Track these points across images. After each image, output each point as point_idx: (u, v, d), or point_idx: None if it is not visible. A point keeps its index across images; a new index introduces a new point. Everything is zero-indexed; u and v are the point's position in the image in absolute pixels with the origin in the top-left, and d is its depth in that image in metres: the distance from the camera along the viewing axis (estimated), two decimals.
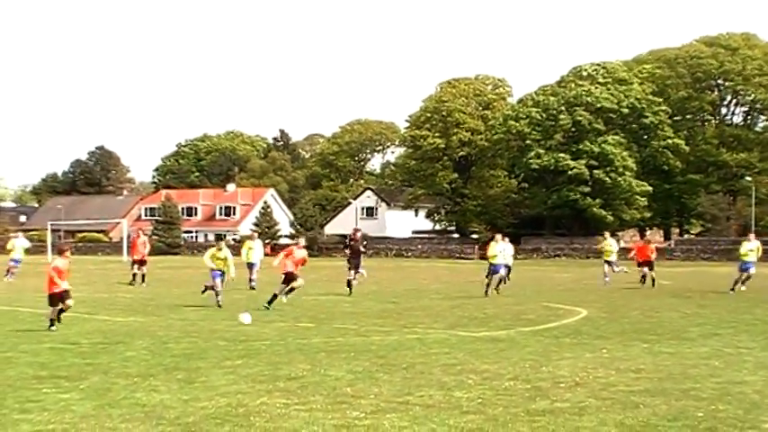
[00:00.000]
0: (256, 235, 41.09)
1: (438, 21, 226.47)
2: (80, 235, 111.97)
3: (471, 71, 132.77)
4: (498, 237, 34.16)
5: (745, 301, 29.97)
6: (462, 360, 15.70)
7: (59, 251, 21.97)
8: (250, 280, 35.57)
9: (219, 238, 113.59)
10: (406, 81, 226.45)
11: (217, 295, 26.95)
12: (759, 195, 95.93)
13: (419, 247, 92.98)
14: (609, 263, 39.65)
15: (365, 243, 36.67)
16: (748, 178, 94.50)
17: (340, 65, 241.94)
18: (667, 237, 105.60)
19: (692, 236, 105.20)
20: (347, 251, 34.14)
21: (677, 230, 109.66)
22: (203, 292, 27.94)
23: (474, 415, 11.03)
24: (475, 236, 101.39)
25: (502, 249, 33.59)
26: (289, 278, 27.07)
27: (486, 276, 33.55)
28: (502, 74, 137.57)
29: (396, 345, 17.92)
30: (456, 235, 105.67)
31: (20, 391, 12.72)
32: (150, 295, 32.76)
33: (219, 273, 26.94)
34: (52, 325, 20.48)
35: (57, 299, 20.52)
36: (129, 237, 40.55)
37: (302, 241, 29.99)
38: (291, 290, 27.48)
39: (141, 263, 39.00)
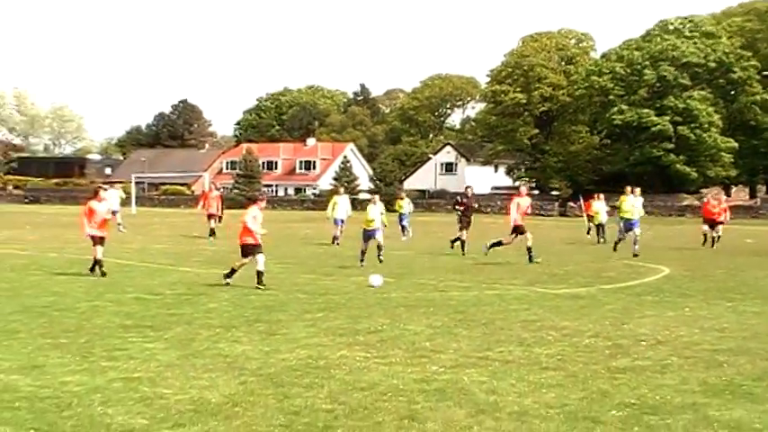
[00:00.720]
0: (342, 190, 40.23)
1: None
2: (163, 187, 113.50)
3: (554, 25, 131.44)
4: (629, 189, 33.39)
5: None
6: (542, 317, 15.64)
7: (254, 200, 21.50)
8: (335, 237, 35.18)
9: (299, 191, 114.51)
10: (488, 35, 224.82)
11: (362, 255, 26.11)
12: None
13: (498, 203, 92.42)
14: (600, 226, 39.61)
15: (477, 202, 36.20)
16: None
17: (421, 19, 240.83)
18: (753, 194, 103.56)
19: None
20: (460, 209, 32.88)
21: (765, 188, 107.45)
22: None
23: (554, 371, 10.99)
24: (555, 192, 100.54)
25: (633, 204, 32.48)
26: (517, 230, 27.76)
27: (619, 234, 33.02)
28: (585, 28, 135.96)
29: (475, 300, 17.91)
30: (536, 191, 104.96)
31: (107, 339, 12.99)
32: (232, 248, 33.09)
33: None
34: (230, 276, 20.21)
35: (249, 249, 20.08)
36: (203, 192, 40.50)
37: (524, 189, 30.57)
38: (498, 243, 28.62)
39: (212, 216, 38.51)
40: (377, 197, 28.50)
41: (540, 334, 13.76)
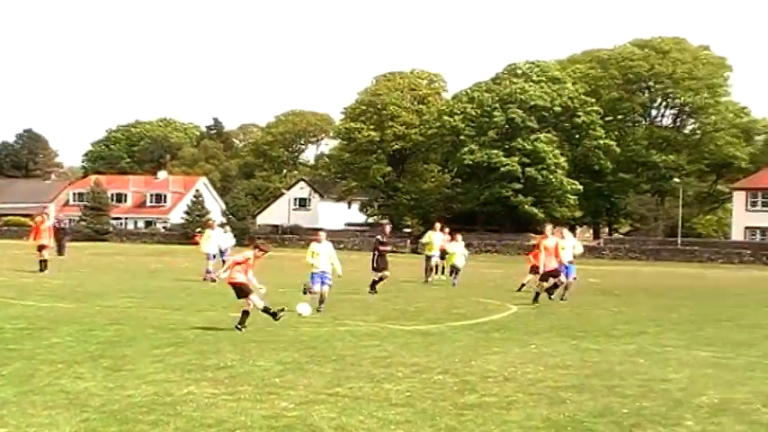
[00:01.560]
0: (216, 223, 38.73)
1: (374, 13, 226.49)
2: (5, 218, 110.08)
3: (407, 65, 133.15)
4: (438, 226, 34.27)
5: (671, 299, 30.42)
6: (392, 353, 15.70)
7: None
8: (207, 271, 34.28)
9: (150, 224, 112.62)
10: (342, 73, 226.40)
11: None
12: (686, 196, 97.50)
13: (351, 239, 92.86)
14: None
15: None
16: (676, 179, 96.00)
17: (276, 54, 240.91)
18: (597, 235, 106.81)
19: (621, 235, 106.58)
20: (385, 249, 31.26)
21: (606, 229, 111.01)
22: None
23: (402, 407, 11.03)
24: (407, 230, 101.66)
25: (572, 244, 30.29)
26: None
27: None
28: (437, 69, 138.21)
29: (326, 336, 17.88)
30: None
31: None
32: (77, 281, 32.32)
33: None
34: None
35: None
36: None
37: (548, 228, 28.40)
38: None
39: (43, 248, 37.13)
40: (323, 234, 25.04)
41: (390, 370, 13.81)
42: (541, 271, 26.98)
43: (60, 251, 49.47)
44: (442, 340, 17.77)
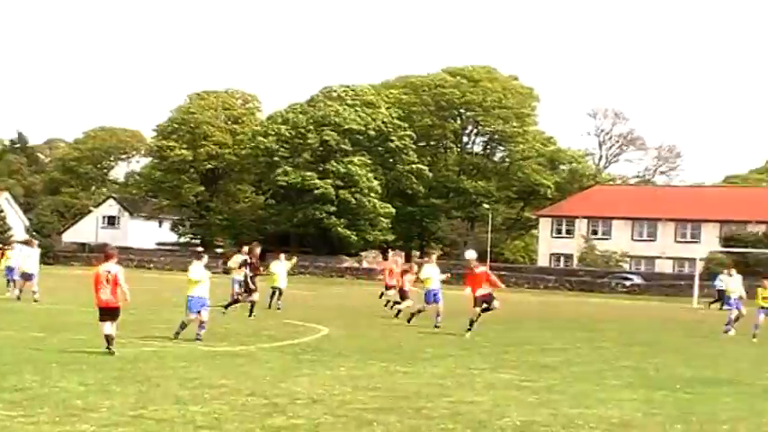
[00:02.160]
0: (17, 242, 37.52)
1: (187, 30, 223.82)
2: None
3: (221, 84, 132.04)
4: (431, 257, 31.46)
5: (480, 324, 31.03)
6: (200, 374, 15.47)
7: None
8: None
9: None
10: (155, 90, 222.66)
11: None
12: (495, 222, 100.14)
13: (162, 258, 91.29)
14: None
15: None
16: (486, 206, 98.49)
17: (85, 68, 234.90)
18: (408, 259, 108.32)
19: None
20: (249, 269, 30.36)
21: (418, 253, 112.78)
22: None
23: (209, 430, 10.87)
24: (219, 250, 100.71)
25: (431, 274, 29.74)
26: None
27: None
28: (252, 89, 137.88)
29: (132, 357, 17.47)
30: (201, 248, 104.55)
31: None
32: None
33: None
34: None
35: None
36: None
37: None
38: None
39: None
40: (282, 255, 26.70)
41: (197, 392, 13.58)
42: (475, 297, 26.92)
43: None
44: (252, 362, 17.63)
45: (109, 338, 17.81)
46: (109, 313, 18.07)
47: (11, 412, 11.38)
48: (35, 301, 31.41)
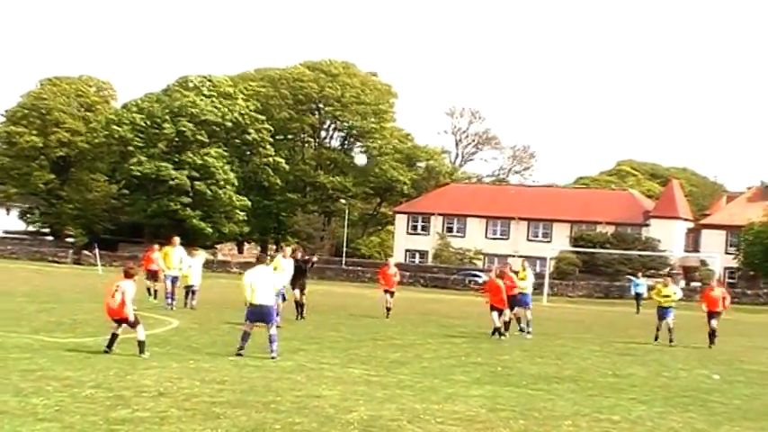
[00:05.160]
0: None
1: (40, 13, 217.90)
2: None
3: (75, 71, 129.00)
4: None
5: (333, 318, 31.20)
6: (44, 366, 15.15)
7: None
8: None
9: None
10: (4, 73, 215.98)
11: None
12: (352, 217, 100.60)
13: (9, 247, 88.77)
14: None
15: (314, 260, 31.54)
16: (343, 201, 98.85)
17: None
18: (264, 251, 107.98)
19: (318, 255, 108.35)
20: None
21: (274, 246, 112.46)
22: None
23: (50, 422, 10.67)
24: (71, 239, 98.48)
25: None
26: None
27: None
28: (107, 76, 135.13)
29: None
30: (50, 238, 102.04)
31: None
32: None
33: None
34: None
35: None
36: None
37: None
38: None
39: None
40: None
41: (40, 384, 13.31)
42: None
43: None
44: (98, 354, 17.34)
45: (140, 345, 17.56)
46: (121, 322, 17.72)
47: None
48: None
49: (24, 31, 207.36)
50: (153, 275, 33.53)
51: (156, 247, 35.15)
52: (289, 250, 29.87)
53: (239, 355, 18.07)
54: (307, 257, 31.10)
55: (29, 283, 42.60)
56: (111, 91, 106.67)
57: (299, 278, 28.66)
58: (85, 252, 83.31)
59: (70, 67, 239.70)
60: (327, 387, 14.91)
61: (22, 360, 15.74)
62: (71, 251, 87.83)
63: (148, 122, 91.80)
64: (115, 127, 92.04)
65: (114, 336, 17.66)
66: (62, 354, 16.97)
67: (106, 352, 17.25)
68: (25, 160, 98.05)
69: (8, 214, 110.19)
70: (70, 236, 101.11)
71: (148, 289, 32.97)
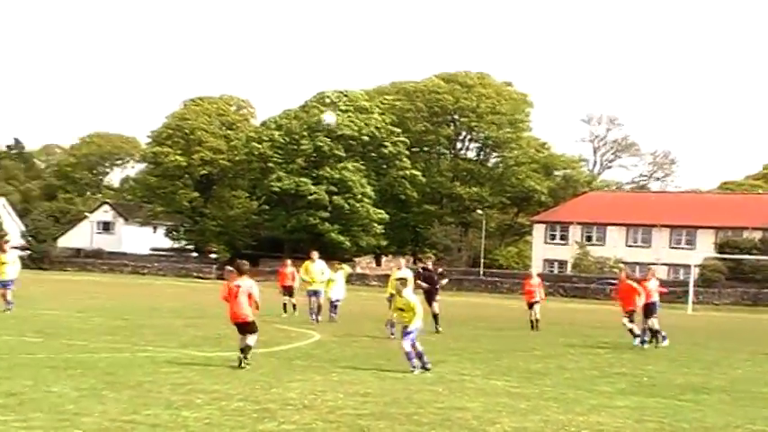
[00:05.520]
0: (8, 246, 32.87)
1: (182, 37, 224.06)
2: None
3: (216, 91, 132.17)
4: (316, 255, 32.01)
5: (473, 330, 31.13)
6: (192, 379, 15.54)
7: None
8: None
9: None
10: (150, 96, 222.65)
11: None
12: (489, 228, 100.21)
13: (156, 264, 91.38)
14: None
15: (440, 272, 30.85)
16: (479, 211, 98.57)
17: (81, 74, 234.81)
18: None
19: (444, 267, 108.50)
20: (424, 284, 28.61)
21: (411, 259, 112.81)
22: None
23: None
24: (214, 255, 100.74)
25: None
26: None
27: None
28: (246, 95, 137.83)
29: (125, 362, 17.54)
30: (195, 254, 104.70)
31: None
32: None
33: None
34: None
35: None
36: None
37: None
38: None
39: None
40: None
41: (189, 397, 13.66)
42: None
43: None
44: (244, 367, 17.68)
45: (244, 350, 17.58)
46: (241, 327, 17.88)
47: (5, 417, 11.45)
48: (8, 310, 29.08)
49: (169, 54, 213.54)
50: (288, 291, 34.18)
51: (289, 262, 35.80)
52: (402, 262, 29.97)
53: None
54: (440, 270, 31.16)
55: (176, 299, 43.78)
56: (250, 109, 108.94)
57: (431, 290, 28.62)
58: (228, 267, 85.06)
59: (212, 87, 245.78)
60: (469, 399, 14.89)
61: (171, 374, 16.17)
62: (215, 267, 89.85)
63: (287, 139, 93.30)
64: (255, 144, 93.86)
65: (247, 347, 17.81)
66: (209, 368, 17.37)
67: (241, 367, 17.43)
68: (170, 179, 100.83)
69: (155, 232, 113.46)
70: (213, 252, 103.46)
71: (284, 304, 33.61)
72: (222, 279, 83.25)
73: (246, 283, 17.98)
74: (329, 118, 18.83)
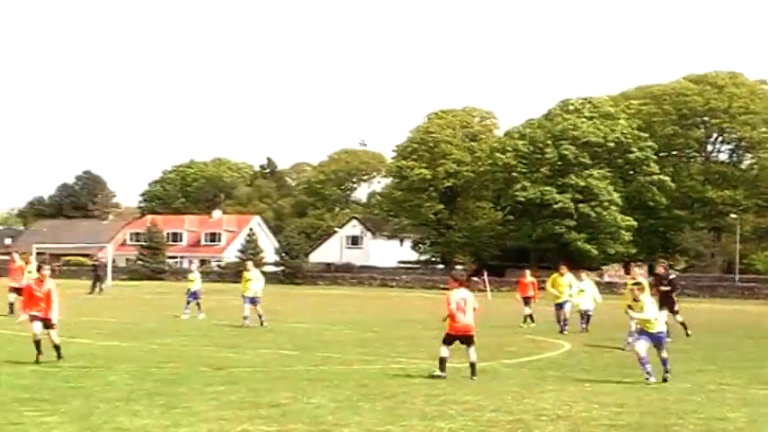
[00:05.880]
0: (250, 264, 33.46)
1: (427, 51, 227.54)
2: (65, 258, 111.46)
3: (459, 103, 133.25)
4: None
5: (730, 338, 30.05)
6: (444, 390, 15.68)
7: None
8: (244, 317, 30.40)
9: (204, 263, 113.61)
10: (394, 111, 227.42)
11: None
12: (744, 233, 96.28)
13: (404, 277, 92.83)
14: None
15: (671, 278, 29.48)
16: (733, 215, 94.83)
17: (328, 93, 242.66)
18: (651, 272, 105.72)
19: (677, 272, 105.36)
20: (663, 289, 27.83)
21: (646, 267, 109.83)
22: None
23: None
24: (460, 267, 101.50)
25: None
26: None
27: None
28: (489, 106, 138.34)
29: (378, 374, 17.91)
30: (441, 266, 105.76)
31: (2, 413, 12.64)
32: (133, 320, 32.68)
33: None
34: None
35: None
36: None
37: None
38: None
39: (14, 290, 32.23)
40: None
41: (443, 408, 13.79)
42: None
43: (92, 288, 51.14)
44: (495, 378, 17.72)
45: (443, 360, 17.61)
46: (462, 339, 17.82)
47: (268, 427, 11.92)
48: (262, 324, 30.03)
49: (412, 71, 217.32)
50: (526, 301, 34.16)
51: (528, 272, 35.63)
52: (638, 271, 29.39)
53: None
54: (671, 275, 30.08)
55: (423, 311, 44.28)
56: (493, 120, 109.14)
57: (665, 297, 27.53)
58: (474, 279, 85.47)
59: (454, 99, 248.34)
60: (731, 409, 14.36)
61: (424, 385, 16.39)
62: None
63: (531, 148, 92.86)
64: (498, 155, 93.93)
65: (472, 365, 17.64)
66: (460, 378, 17.48)
67: (473, 378, 17.29)
68: (416, 192, 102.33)
69: (402, 245, 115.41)
70: (459, 263, 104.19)
71: (525, 316, 33.52)
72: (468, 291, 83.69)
73: (471, 295, 17.98)
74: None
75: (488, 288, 67.86)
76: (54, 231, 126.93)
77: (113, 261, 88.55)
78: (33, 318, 19.13)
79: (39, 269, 20.95)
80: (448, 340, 17.81)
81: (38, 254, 65.84)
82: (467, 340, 17.78)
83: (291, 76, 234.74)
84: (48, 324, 18.91)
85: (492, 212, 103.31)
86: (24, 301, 19.44)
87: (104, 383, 15.76)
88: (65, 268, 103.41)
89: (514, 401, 14.61)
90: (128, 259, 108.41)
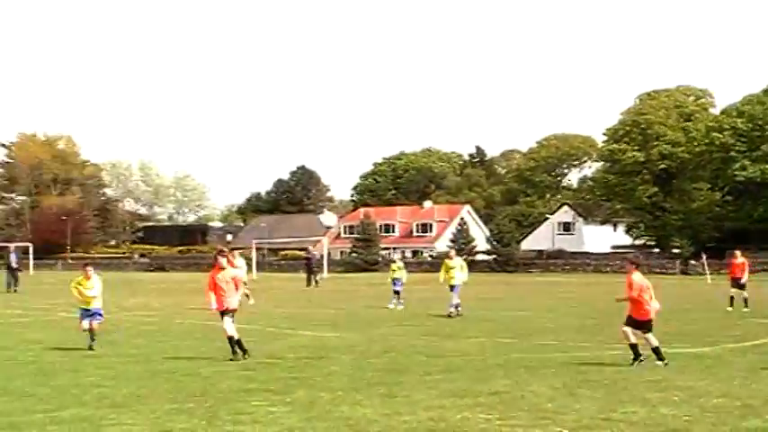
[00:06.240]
0: (453, 253, 33.27)
1: (637, 30, 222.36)
2: (282, 253, 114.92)
3: (672, 82, 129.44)
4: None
5: None
6: (666, 376, 15.33)
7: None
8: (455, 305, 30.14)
9: (416, 253, 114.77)
10: (604, 93, 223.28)
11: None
12: None
13: (618, 262, 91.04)
14: None
15: None
16: None
17: (537, 79, 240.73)
18: None
19: None
20: None
21: None
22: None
23: None
24: (676, 250, 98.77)
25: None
26: None
27: None
28: (704, 84, 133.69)
29: (596, 360, 17.67)
30: (657, 250, 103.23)
31: (231, 403, 13.15)
32: (349, 311, 33.38)
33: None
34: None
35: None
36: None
37: None
38: None
39: None
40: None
41: (665, 394, 13.48)
42: None
43: (308, 282, 52.17)
44: (719, 363, 17.20)
45: (634, 346, 17.24)
46: (645, 324, 17.51)
47: (488, 415, 11.94)
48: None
49: (620, 51, 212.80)
50: (737, 282, 32.59)
51: (738, 253, 33.84)
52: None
53: None
54: None
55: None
56: (709, 98, 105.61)
57: None
58: (692, 262, 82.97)
59: (667, 79, 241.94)
60: None
61: (644, 371, 16.07)
62: (678, 262, 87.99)
63: (750, 126, 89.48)
64: (715, 134, 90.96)
65: (656, 350, 17.12)
66: (682, 364, 17.06)
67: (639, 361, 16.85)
68: (628, 176, 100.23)
69: (615, 230, 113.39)
70: (676, 246, 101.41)
71: (731, 297, 32.03)
72: (686, 274, 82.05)
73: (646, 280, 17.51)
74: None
75: (707, 271, 65.75)
76: (272, 226, 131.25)
77: (328, 254, 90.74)
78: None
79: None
80: (630, 323, 17.42)
81: (257, 249, 67.75)
82: (645, 325, 17.27)
83: (498, 63, 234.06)
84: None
85: (709, 193, 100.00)
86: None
87: (326, 373, 16.16)
88: (282, 262, 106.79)
89: (741, 387, 14.14)
90: (342, 252, 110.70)
